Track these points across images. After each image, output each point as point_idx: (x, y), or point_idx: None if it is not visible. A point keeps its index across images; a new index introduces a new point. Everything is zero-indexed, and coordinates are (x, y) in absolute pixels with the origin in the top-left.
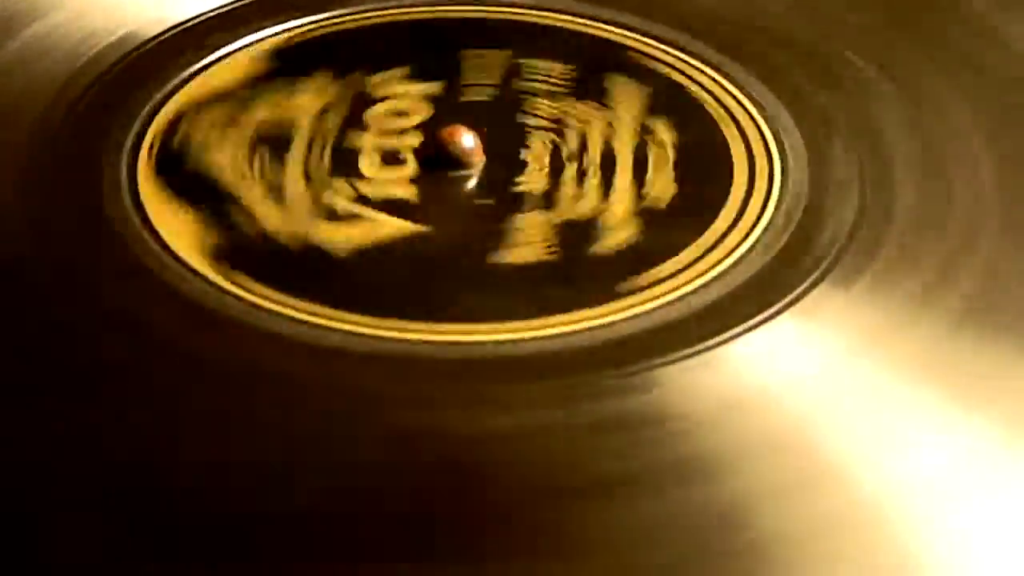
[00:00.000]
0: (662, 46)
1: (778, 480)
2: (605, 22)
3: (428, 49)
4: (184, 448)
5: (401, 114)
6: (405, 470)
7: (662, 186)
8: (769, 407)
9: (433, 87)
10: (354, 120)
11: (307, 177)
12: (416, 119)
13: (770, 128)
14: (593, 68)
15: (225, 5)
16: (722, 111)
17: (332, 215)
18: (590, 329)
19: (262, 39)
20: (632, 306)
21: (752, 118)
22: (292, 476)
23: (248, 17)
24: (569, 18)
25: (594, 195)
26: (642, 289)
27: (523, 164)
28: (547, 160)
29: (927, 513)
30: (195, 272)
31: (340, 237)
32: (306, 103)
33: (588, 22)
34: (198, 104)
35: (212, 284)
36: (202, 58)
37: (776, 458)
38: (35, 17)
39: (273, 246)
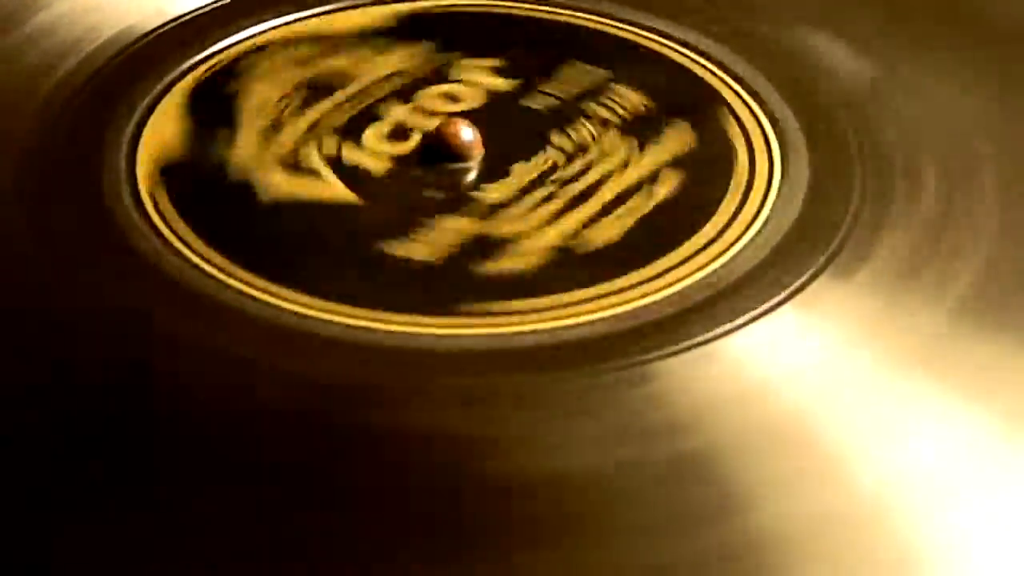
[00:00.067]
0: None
1: (777, 472)
2: (699, 52)
3: (532, 48)
4: (185, 443)
5: (452, 98)
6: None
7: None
8: (769, 399)
9: (507, 84)
10: (405, 92)
11: (311, 127)
12: (460, 107)
13: (770, 120)
14: (670, 109)
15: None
16: (722, 102)
17: (293, 166)
18: (588, 323)
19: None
20: (633, 299)
21: (751, 110)
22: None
23: (248, 10)
24: (672, 46)
25: (535, 220)
26: (643, 282)
27: (505, 174)
28: (529, 178)
29: (927, 505)
30: (194, 265)
31: (277, 185)
32: (381, 64)
33: (685, 53)
34: (287, 40)
35: (209, 275)
36: (201, 51)
37: (776, 450)
38: (35, 10)
39: (218, 176)
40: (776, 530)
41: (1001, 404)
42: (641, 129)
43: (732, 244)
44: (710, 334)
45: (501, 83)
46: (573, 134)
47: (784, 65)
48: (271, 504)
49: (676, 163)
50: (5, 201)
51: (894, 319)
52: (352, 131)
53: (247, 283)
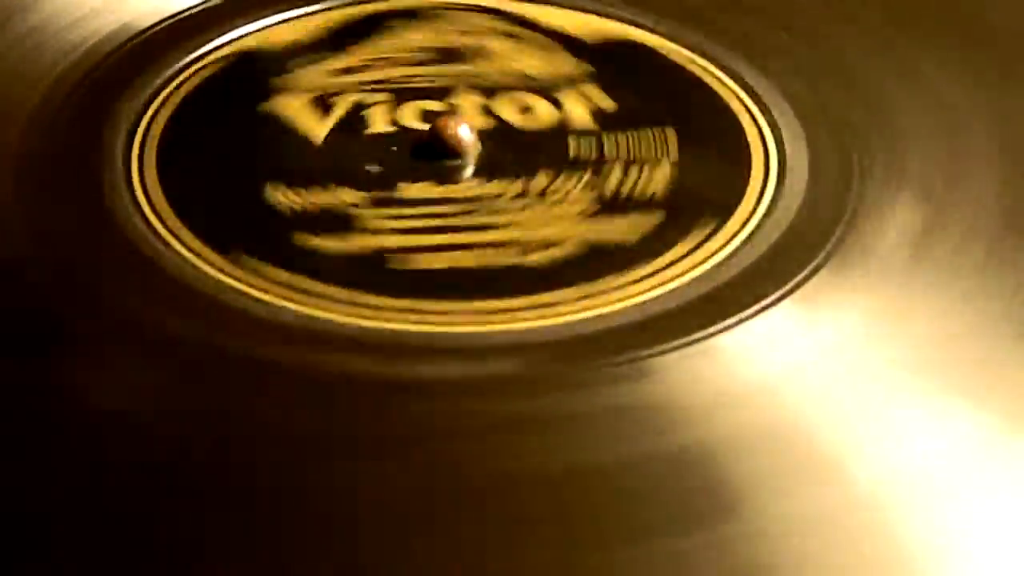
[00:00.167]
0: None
1: (775, 469)
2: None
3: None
4: (186, 444)
5: (525, 110)
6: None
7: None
8: (766, 397)
9: (587, 100)
10: (491, 89)
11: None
12: (524, 117)
13: (767, 117)
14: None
15: None
16: (719, 99)
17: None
18: (587, 319)
19: None
20: (630, 296)
21: (748, 108)
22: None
23: (246, 7)
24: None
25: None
26: (640, 279)
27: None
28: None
29: (923, 504)
30: (194, 265)
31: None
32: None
33: (682, 52)
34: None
35: (211, 277)
36: (199, 47)
37: (773, 447)
38: (31, 7)
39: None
40: (773, 528)
41: (999, 404)
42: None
43: (730, 241)
44: (708, 331)
45: (584, 97)
46: (608, 162)
47: (783, 62)
48: (273, 505)
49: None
50: (3, 200)
51: (892, 317)
52: (394, 97)
53: (244, 281)
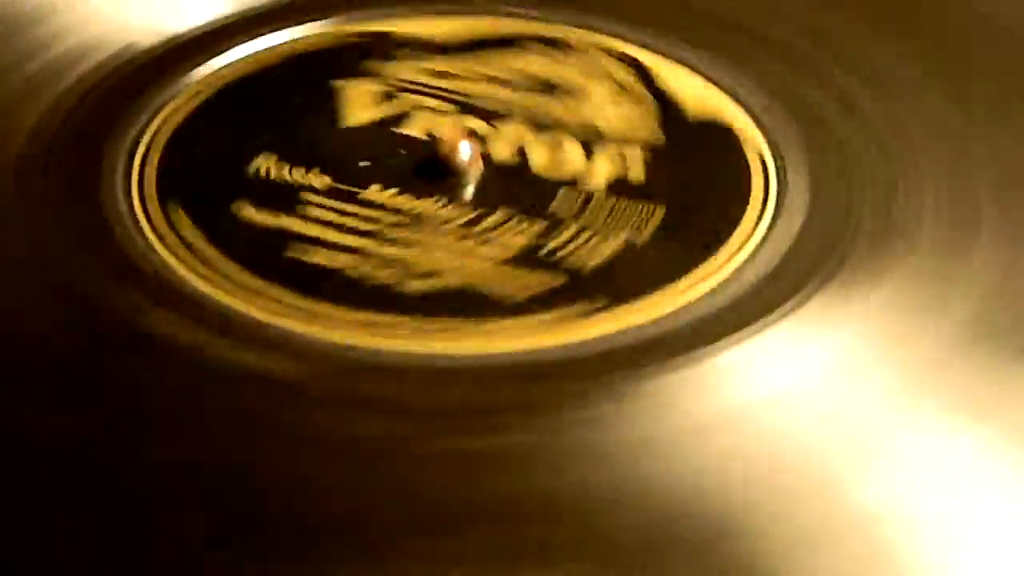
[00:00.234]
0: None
1: (773, 491)
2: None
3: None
4: (183, 450)
5: (555, 153)
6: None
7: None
8: (764, 419)
9: (621, 163)
10: (545, 127)
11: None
12: (548, 159)
13: (768, 140)
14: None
15: (227, 17)
16: (724, 121)
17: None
18: (585, 340)
19: None
20: (631, 317)
21: (752, 129)
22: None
23: (247, 27)
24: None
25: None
26: (641, 300)
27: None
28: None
29: (923, 523)
30: (190, 283)
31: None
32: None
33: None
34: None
35: (210, 293)
36: (197, 66)
37: (771, 469)
38: (35, 26)
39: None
40: (769, 548)
41: (997, 424)
42: (581, 98)
43: (728, 263)
44: (706, 353)
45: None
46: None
47: (786, 85)
48: (275, 517)
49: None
50: (4, 218)
51: (891, 340)
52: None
53: (250, 293)
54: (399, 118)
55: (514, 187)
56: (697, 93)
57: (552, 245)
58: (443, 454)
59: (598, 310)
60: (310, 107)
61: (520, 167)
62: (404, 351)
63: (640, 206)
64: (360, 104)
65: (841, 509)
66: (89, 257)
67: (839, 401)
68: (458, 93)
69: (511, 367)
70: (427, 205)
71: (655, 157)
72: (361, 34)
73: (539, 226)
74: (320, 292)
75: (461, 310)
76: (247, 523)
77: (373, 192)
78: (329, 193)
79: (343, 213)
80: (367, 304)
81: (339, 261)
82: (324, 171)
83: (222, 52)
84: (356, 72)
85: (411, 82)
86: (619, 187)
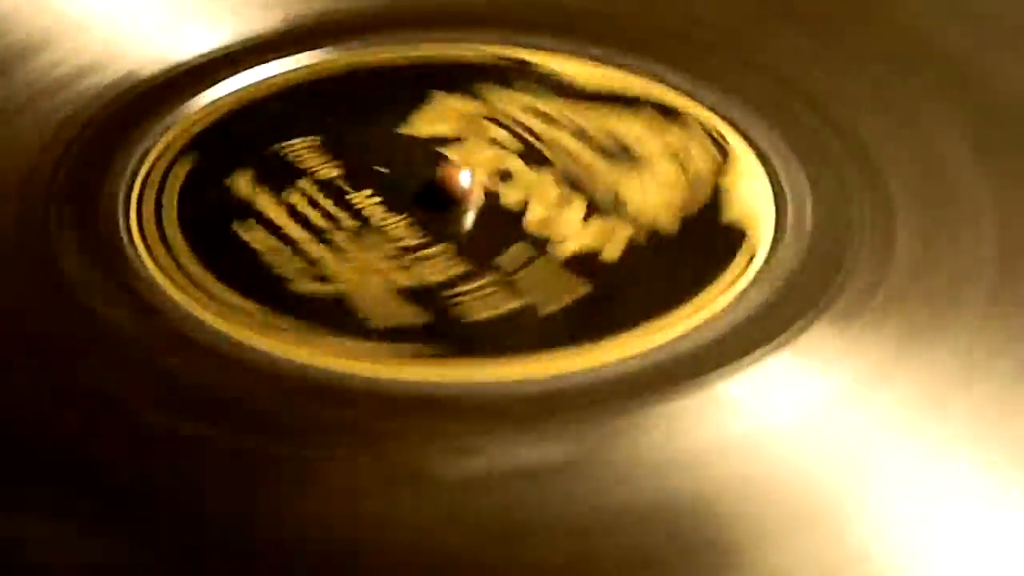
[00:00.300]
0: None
1: (773, 519)
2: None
3: None
4: (182, 482)
5: (561, 209)
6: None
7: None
8: (764, 447)
9: (613, 239)
10: (579, 187)
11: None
12: (549, 212)
13: (767, 166)
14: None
15: (227, 44)
16: (722, 148)
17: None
18: (583, 370)
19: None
20: (629, 346)
21: (751, 155)
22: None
23: (247, 57)
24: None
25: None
26: (638, 328)
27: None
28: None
29: (922, 554)
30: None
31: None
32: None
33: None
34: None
35: (211, 324)
36: (201, 96)
37: (770, 498)
38: (34, 54)
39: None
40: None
41: (997, 453)
42: (637, 172)
43: (727, 290)
44: (706, 380)
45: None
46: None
47: (787, 112)
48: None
49: (674, 208)
50: (5, 249)
51: (892, 366)
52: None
53: (248, 323)
54: (453, 140)
55: (483, 229)
56: (749, 196)
57: (457, 289)
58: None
59: (447, 356)
60: (379, 110)
61: (514, 215)
62: (243, 341)
63: (574, 280)
64: (434, 117)
65: (839, 539)
66: (90, 293)
67: (835, 432)
68: (537, 137)
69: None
70: (392, 220)
71: (647, 243)
72: (502, 57)
73: (463, 268)
74: (227, 271)
75: (322, 318)
76: None
77: (361, 196)
78: (323, 185)
79: (315, 205)
80: (253, 291)
81: (266, 244)
82: (339, 165)
83: (229, 78)
84: (463, 89)
85: (504, 113)
86: (578, 259)
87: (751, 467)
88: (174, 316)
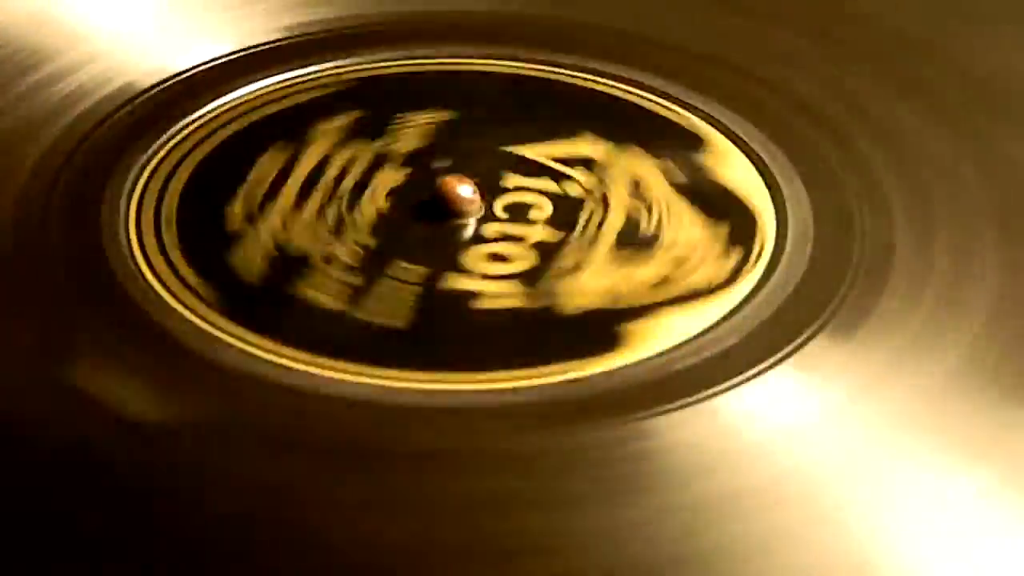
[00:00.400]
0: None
1: (775, 531)
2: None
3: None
4: (184, 505)
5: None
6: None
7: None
8: (766, 459)
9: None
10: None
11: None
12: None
13: (767, 180)
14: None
15: (224, 56)
16: (719, 160)
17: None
18: (587, 379)
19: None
20: (632, 358)
21: (752, 169)
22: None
23: (249, 67)
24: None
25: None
26: (642, 341)
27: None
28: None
29: (924, 564)
30: (195, 325)
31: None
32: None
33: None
34: None
35: (214, 336)
36: (198, 109)
37: (773, 509)
38: (33, 67)
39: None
40: None
41: (999, 464)
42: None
43: (729, 303)
44: (709, 392)
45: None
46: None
47: (788, 124)
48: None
49: (652, 164)
50: (3, 257)
51: (893, 378)
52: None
53: (247, 343)
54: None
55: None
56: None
57: (345, 272)
58: None
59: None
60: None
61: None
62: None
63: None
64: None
65: (840, 551)
66: (88, 297)
67: (834, 444)
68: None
69: None
70: (371, 203)
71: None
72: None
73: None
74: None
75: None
76: None
77: (350, 181)
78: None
79: (316, 194)
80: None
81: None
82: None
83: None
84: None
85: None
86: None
87: (754, 478)
88: (171, 326)
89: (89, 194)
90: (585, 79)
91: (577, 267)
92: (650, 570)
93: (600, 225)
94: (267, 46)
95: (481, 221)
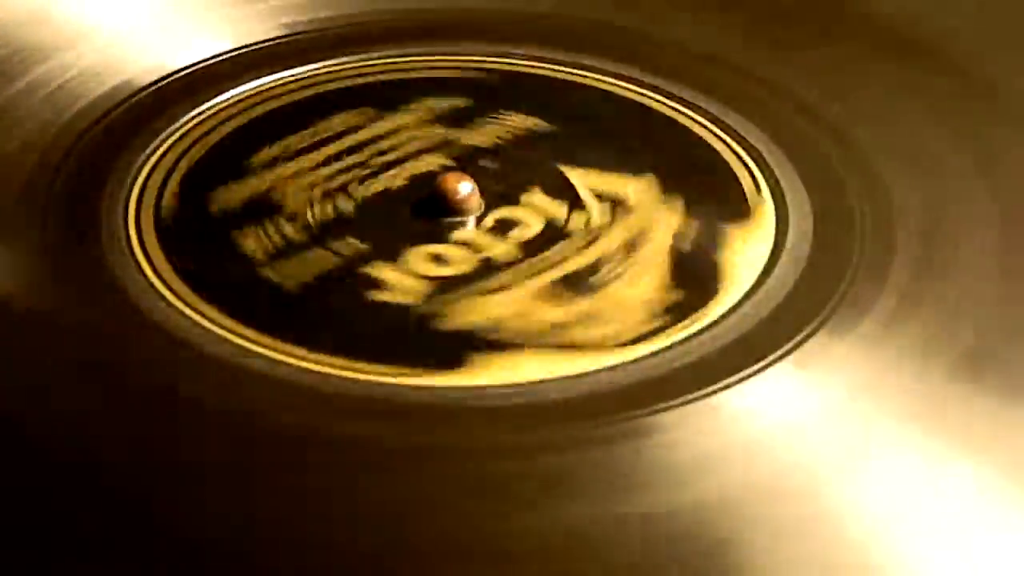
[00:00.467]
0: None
1: (774, 528)
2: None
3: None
4: (187, 503)
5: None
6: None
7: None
8: (765, 457)
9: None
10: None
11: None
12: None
13: (767, 178)
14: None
15: (223, 53)
16: (723, 161)
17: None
18: (587, 375)
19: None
20: (632, 354)
21: (748, 168)
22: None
23: (246, 66)
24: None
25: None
26: (641, 338)
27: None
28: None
29: (923, 561)
30: (192, 320)
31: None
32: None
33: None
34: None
35: (209, 331)
36: (197, 106)
37: (772, 507)
38: (31, 64)
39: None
40: None
41: (998, 460)
42: (637, 239)
43: (728, 301)
44: (707, 391)
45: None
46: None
47: (786, 124)
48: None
49: (675, 222)
50: (2, 257)
51: (891, 377)
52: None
53: (246, 338)
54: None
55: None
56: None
57: (297, 231)
58: None
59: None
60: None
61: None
62: (242, 348)
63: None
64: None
65: (840, 547)
66: (88, 293)
67: (836, 441)
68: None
69: None
70: (385, 182)
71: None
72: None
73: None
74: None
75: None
76: None
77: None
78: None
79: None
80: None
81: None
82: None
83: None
84: None
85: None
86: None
87: (753, 476)
88: (169, 322)
89: (89, 191)
90: (676, 110)
91: (498, 289)
92: (650, 569)
93: (561, 261)
94: (266, 44)
95: (475, 224)
